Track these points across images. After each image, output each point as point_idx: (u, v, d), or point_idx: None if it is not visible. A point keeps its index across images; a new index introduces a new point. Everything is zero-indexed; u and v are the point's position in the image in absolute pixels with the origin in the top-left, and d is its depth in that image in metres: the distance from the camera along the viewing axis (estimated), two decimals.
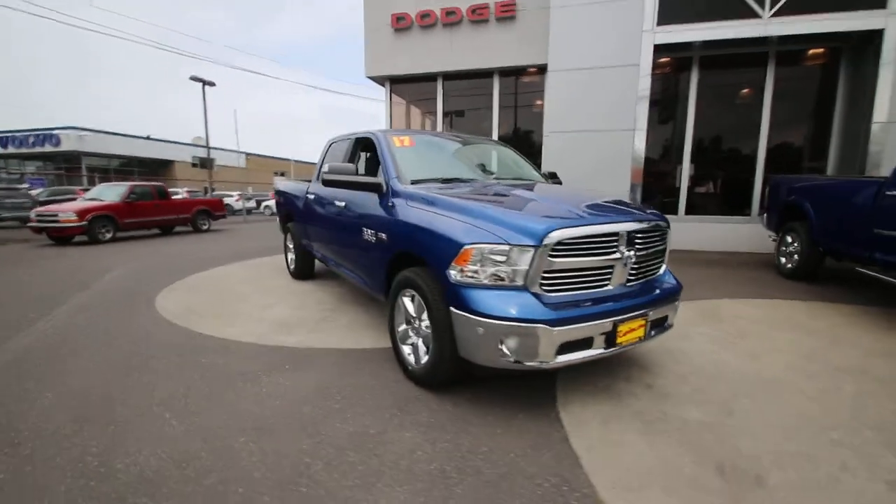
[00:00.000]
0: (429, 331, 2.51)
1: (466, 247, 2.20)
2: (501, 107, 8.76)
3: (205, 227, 12.87)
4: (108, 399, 2.53)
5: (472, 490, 1.77)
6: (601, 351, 2.31)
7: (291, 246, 5.57)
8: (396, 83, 9.28)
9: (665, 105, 8.09)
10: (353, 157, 3.89)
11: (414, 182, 3.04)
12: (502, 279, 2.18)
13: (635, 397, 2.57)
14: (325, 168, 3.22)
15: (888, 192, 4.00)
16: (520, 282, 2.18)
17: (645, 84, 7.16)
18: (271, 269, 6.28)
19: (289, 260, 5.74)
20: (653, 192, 7.98)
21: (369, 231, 3.13)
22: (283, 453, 2.00)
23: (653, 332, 2.56)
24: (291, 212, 5.35)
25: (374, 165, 3.51)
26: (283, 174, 46.57)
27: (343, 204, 3.64)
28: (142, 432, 2.18)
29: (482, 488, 1.78)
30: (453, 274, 2.26)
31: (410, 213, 2.69)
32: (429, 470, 1.89)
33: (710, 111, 7.84)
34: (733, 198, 7.97)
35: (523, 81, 8.70)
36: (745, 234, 7.43)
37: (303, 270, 5.41)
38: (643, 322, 2.43)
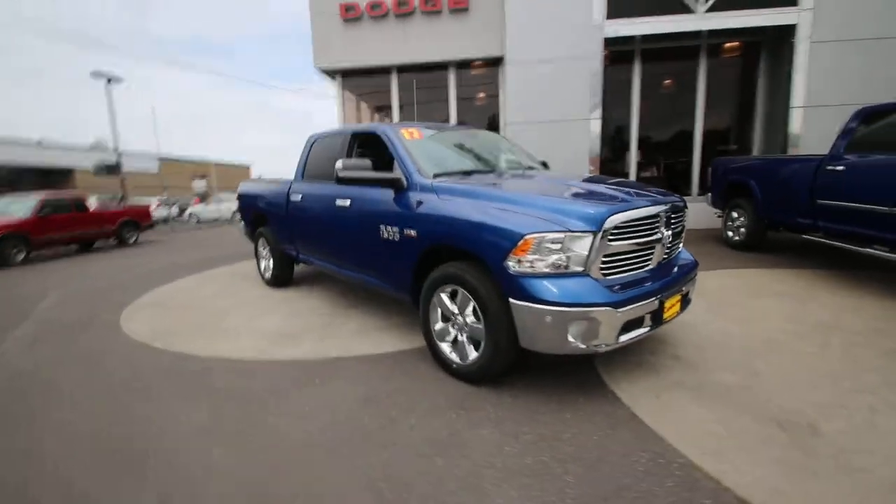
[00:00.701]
0: (478, 325, 2.47)
1: (527, 237, 2.19)
2: (459, 99, 8.78)
3: (132, 240, 11.60)
4: (132, 441, 2.21)
5: (581, 477, 1.78)
6: (649, 328, 2.41)
7: (265, 252, 5.19)
8: (348, 76, 8.94)
9: (613, 95, 8.56)
10: (349, 154, 3.70)
11: (436, 176, 2.96)
12: (563, 266, 2.20)
13: (669, 369, 2.72)
14: (340, 165, 3.03)
15: (829, 168, 4.56)
16: (580, 268, 2.21)
17: (598, 75, 7.53)
18: (238, 279, 5.81)
19: (262, 268, 5.34)
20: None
21: (390, 228, 3.00)
22: (370, 470, 1.88)
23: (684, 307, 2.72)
24: (265, 215, 4.99)
25: (374, 161, 3.35)
26: (203, 177, 43.21)
27: (348, 202, 3.45)
28: (201, 474, 1.93)
29: (589, 473, 1.80)
30: (511, 265, 2.24)
31: (447, 206, 2.61)
32: (528, 464, 1.87)
33: (652, 101, 8.44)
34: (675, 179, 8.66)
35: (478, 74, 8.77)
36: (690, 211, 8.09)
37: (281, 277, 5.07)
38: (680, 297, 2.58)
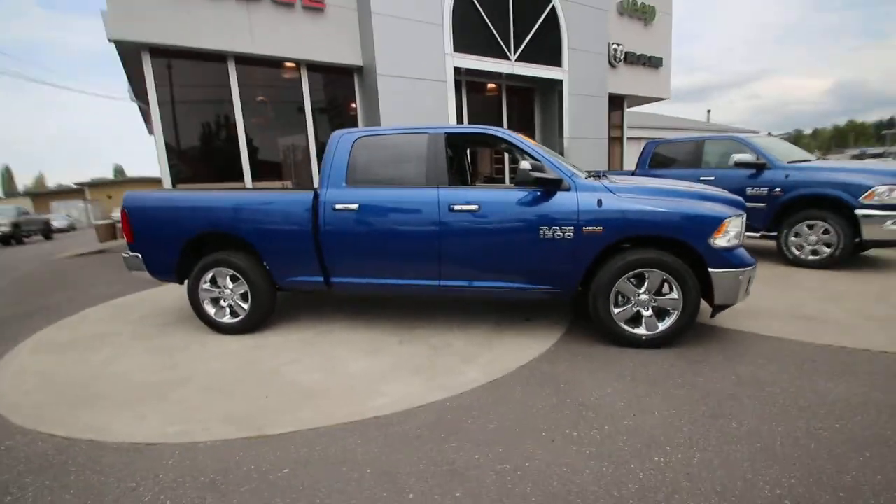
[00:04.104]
0: (672, 297, 3.07)
1: (725, 220, 2.99)
2: (315, 105, 8.03)
3: None
4: None
5: (845, 387, 2.76)
6: None
7: (222, 290, 3.71)
8: (160, 55, 6.69)
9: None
10: (449, 156, 3.37)
11: (586, 177, 3.29)
12: (734, 240, 3.11)
13: (743, 311, 3.89)
14: (527, 166, 2.90)
15: None
16: (738, 240, 3.17)
17: (451, 96, 8.57)
18: (151, 334, 3.78)
19: (212, 312, 3.76)
20: None
21: (559, 228, 3.11)
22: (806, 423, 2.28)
23: None
24: (240, 237, 3.60)
25: (474, 164, 3.29)
26: None
27: (474, 207, 3.21)
28: None
29: (841, 382, 2.79)
30: (711, 242, 2.99)
31: (639, 203, 3.04)
32: (810, 397, 2.70)
33: (477, 121, 10.14)
34: None
35: (331, 79, 8.26)
36: None
37: (257, 319, 3.78)
38: None
